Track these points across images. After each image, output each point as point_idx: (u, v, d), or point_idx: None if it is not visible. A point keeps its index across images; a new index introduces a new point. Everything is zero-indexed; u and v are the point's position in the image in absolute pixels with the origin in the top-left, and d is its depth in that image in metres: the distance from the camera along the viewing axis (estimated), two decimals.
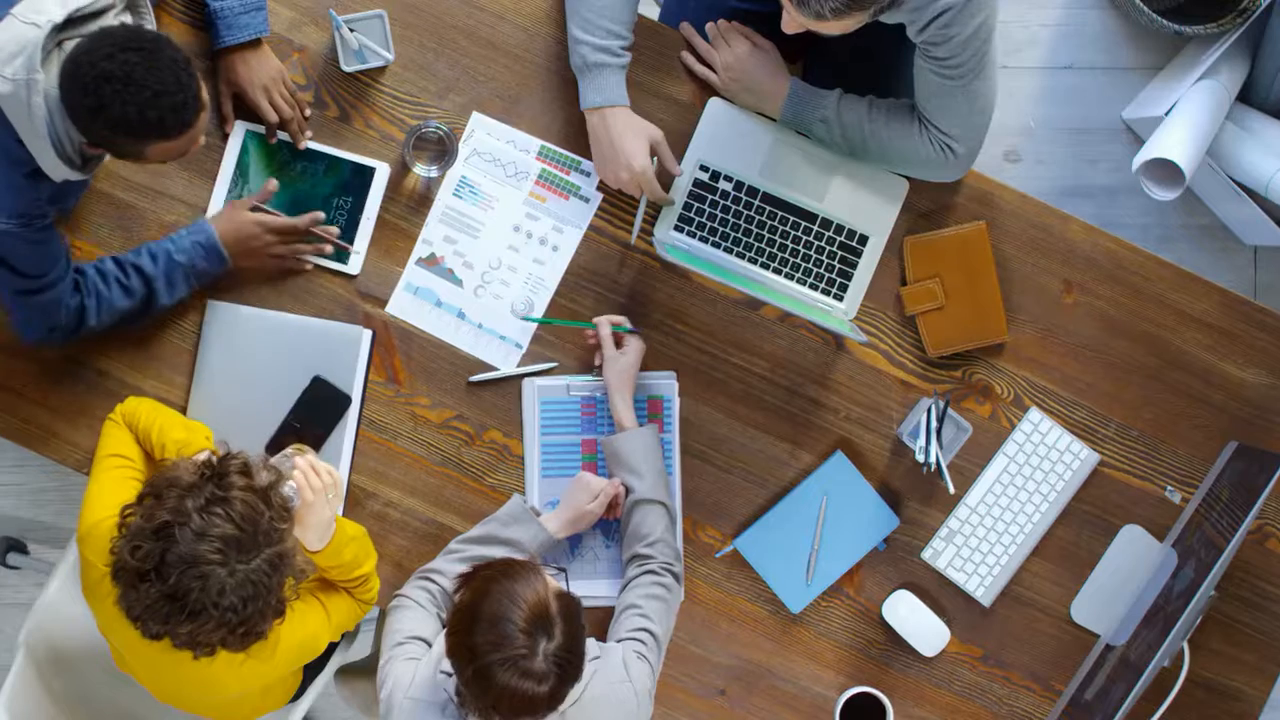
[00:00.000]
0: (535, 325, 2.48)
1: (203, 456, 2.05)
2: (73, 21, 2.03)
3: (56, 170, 2.08)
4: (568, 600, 2.07)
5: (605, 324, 2.44)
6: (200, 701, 2.32)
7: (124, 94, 1.96)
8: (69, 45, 2.02)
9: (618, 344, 2.45)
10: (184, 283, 2.38)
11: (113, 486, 2.22)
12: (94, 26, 2.05)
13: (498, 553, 2.37)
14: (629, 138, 2.36)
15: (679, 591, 2.39)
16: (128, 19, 2.11)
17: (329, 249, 2.44)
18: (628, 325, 2.45)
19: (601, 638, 2.37)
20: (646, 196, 2.41)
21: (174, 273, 2.37)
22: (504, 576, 2.05)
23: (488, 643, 2.00)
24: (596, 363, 2.47)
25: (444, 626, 2.35)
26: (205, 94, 2.04)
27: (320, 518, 2.19)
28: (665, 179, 2.46)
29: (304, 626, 2.23)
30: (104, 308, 2.33)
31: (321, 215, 2.43)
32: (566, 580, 2.16)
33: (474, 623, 2.02)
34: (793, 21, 2.12)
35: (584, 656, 2.08)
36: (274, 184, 2.41)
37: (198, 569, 1.94)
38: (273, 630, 2.08)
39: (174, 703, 2.33)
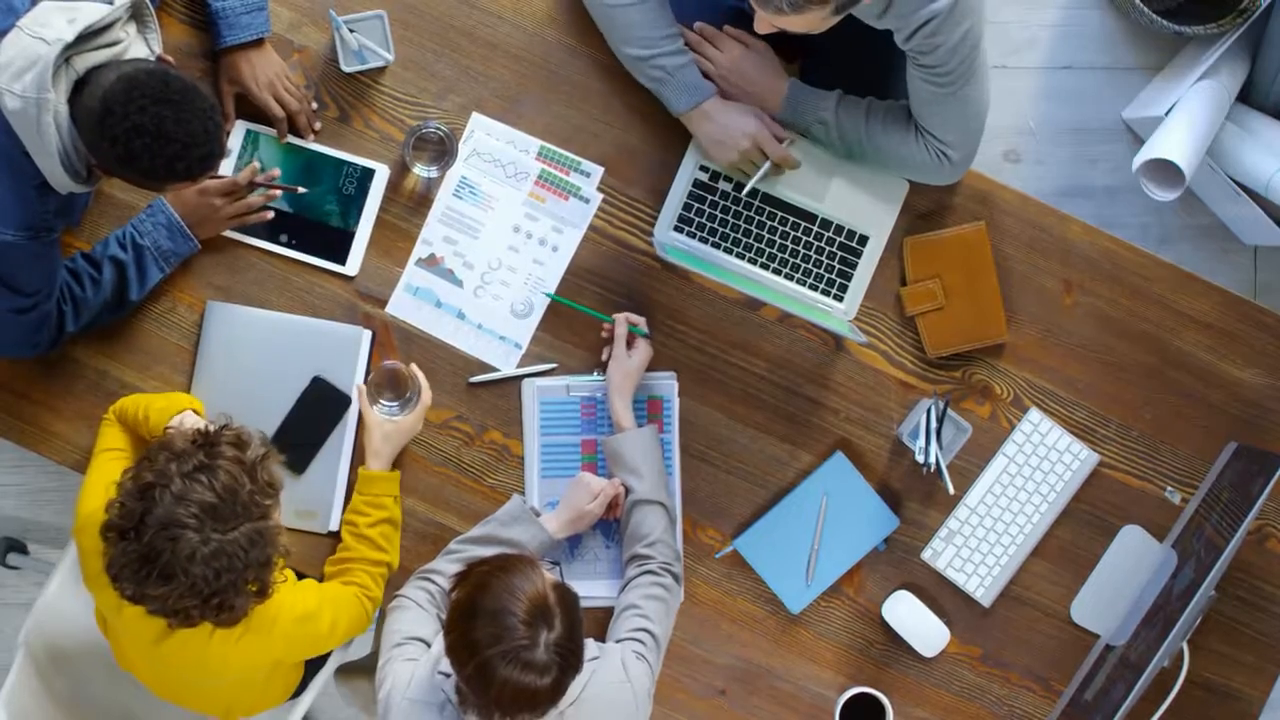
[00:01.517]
0: (535, 326, 2.48)
1: (200, 425, 2.07)
2: (82, 37, 2.03)
3: (63, 184, 2.09)
4: (565, 592, 2.07)
5: (623, 321, 2.44)
6: (201, 689, 2.31)
7: (154, 147, 1.98)
8: (77, 61, 2.02)
9: (628, 344, 2.45)
10: (154, 267, 2.39)
11: (107, 478, 2.23)
12: (103, 40, 2.05)
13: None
14: (735, 114, 2.39)
15: (679, 592, 2.39)
16: (133, 28, 2.11)
17: (277, 194, 2.43)
18: (644, 328, 2.45)
19: (601, 638, 2.37)
20: (770, 157, 2.40)
21: (143, 257, 2.37)
22: (501, 571, 2.05)
23: (489, 636, 1.99)
24: (603, 358, 2.47)
25: (443, 626, 2.35)
26: (227, 137, 2.06)
27: (412, 428, 2.28)
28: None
29: (304, 601, 2.23)
30: (81, 310, 2.34)
31: (258, 165, 2.43)
32: (561, 574, 2.15)
33: (473, 618, 2.01)
34: (763, 21, 2.12)
35: (583, 648, 2.08)
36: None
37: (170, 531, 1.96)
38: (270, 604, 2.10)
39: (174, 698, 2.33)
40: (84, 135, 2.02)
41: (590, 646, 2.21)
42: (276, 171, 2.43)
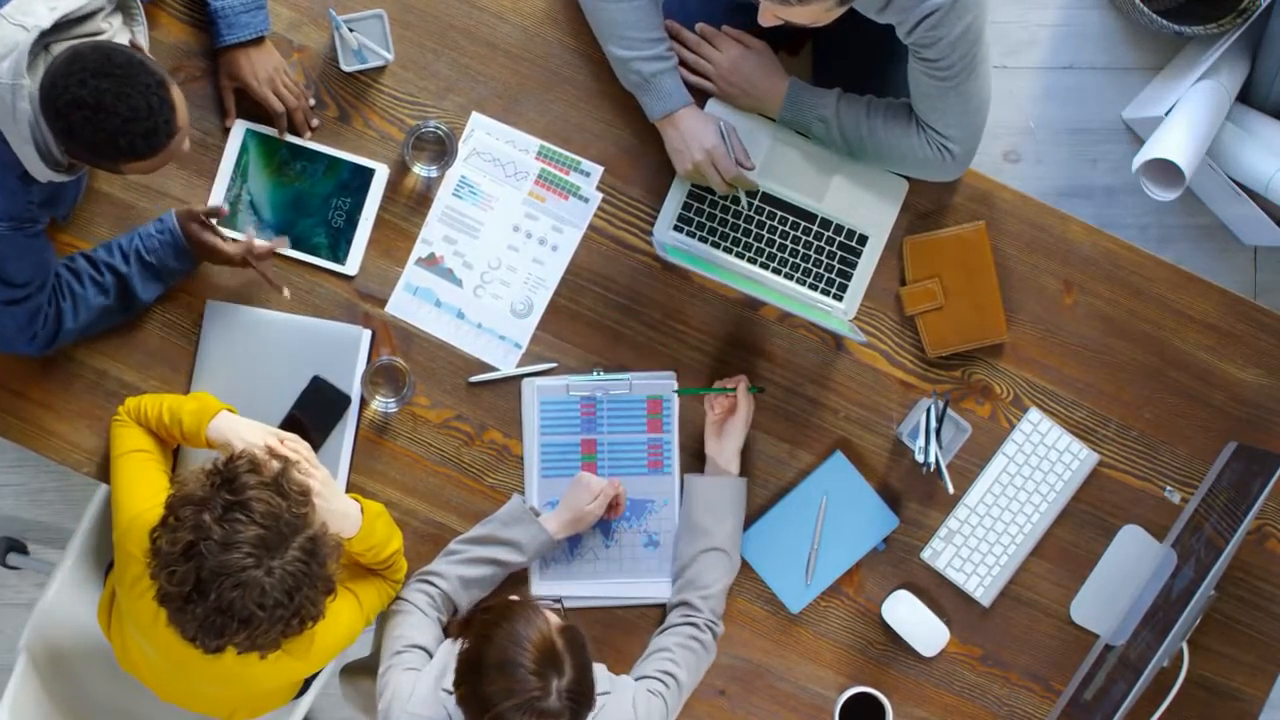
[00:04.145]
0: (535, 326, 2.48)
1: (209, 465, 2.04)
2: (61, 25, 2.03)
3: (41, 173, 2.08)
4: (573, 634, 2.06)
5: (744, 381, 2.43)
6: (215, 697, 2.31)
7: (94, 120, 1.96)
8: (57, 48, 2.02)
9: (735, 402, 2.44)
10: (157, 281, 2.39)
11: (142, 478, 2.22)
12: (84, 29, 2.05)
13: (498, 553, 2.37)
14: (699, 127, 2.38)
15: (714, 651, 2.39)
16: (118, 20, 2.11)
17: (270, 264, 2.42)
18: (755, 387, 2.47)
19: (603, 647, 2.36)
20: (723, 174, 2.39)
21: (146, 272, 2.37)
22: (504, 619, 2.04)
23: (500, 691, 1.98)
24: (714, 415, 2.43)
25: (445, 632, 2.35)
26: (183, 115, 2.03)
27: (331, 509, 2.18)
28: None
29: (339, 623, 2.23)
30: (81, 308, 2.33)
31: (249, 240, 2.37)
32: (563, 612, 2.15)
33: (481, 672, 2.00)
34: (768, 12, 2.12)
35: (594, 686, 2.07)
36: (225, 209, 2.39)
37: (234, 578, 1.94)
38: (308, 630, 2.08)
39: (181, 702, 2.33)
40: (42, 113, 2.00)
41: (601, 679, 2.19)
42: (270, 249, 2.39)
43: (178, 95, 2.03)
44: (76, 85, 1.95)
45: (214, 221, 2.39)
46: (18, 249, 2.17)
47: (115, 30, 2.09)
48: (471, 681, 2.01)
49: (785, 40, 2.62)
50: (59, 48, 2.02)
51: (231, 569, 1.94)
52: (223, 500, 1.98)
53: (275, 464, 2.05)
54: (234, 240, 2.39)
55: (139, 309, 2.40)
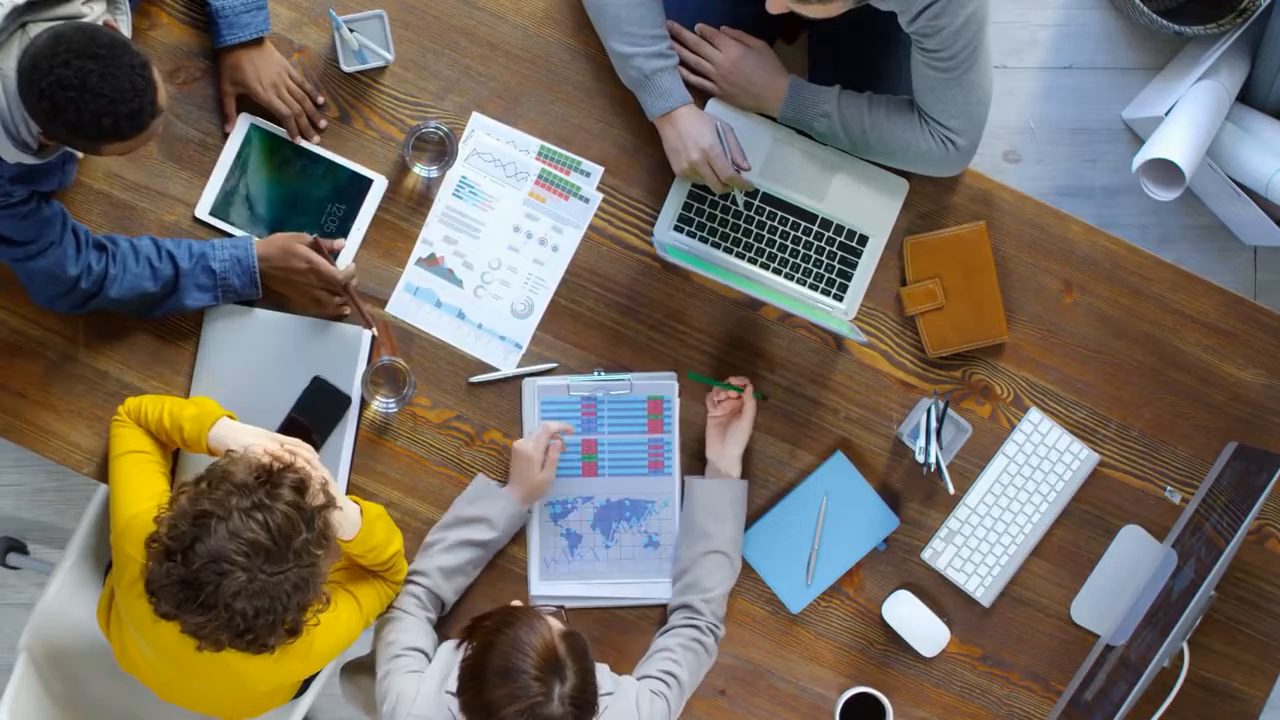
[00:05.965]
0: (535, 326, 2.48)
1: (265, 459, 2.05)
2: (37, 5, 2.02)
3: (8, 153, 2.06)
4: (575, 640, 2.06)
5: (749, 387, 2.44)
6: (216, 698, 2.31)
7: (78, 101, 1.94)
8: (34, 28, 2.01)
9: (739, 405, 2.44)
10: (210, 292, 2.38)
11: (141, 479, 2.22)
12: (62, 11, 2.03)
13: (469, 533, 2.36)
14: (696, 126, 2.37)
15: (715, 654, 2.38)
16: (100, 7, 2.10)
17: (347, 311, 2.44)
18: (760, 393, 2.47)
19: (604, 647, 2.36)
20: (718, 174, 2.39)
21: (204, 278, 2.36)
22: (506, 626, 2.04)
23: (503, 697, 1.98)
24: (716, 413, 2.43)
25: (435, 630, 2.35)
26: (163, 96, 2.02)
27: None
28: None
29: (338, 626, 2.23)
30: (127, 281, 2.32)
31: (354, 270, 2.42)
32: (565, 617, 2.14)
33: (484, 679, 2.00)
34: (777, 2, 2.12)
35: (597, 692, 2.07)
36: (341, 243, 2.43)
37: (219, 565, 1.95)
38: (308, 630, 2.08)
39: (181, 702, 2.33)
40: (21, 97, 1.99)
41: (604, 679, 2.19)
42: (371, 311, 2.44)
43: (158, 76, 2.02)
44: (61, 66, 1.93)
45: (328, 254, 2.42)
46: (3, 220, 2.16)
47: (96, 17, 2.07)
48: (474, 688, 2.01)
49: (781, 29, 2.62)
50: (36, 29, 2.00)
51: (222, 557, 1.94)
52: (256, 498, 1.98)
53: (320, 497, 2.05)
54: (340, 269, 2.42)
55: (176, 310, 2.39)
